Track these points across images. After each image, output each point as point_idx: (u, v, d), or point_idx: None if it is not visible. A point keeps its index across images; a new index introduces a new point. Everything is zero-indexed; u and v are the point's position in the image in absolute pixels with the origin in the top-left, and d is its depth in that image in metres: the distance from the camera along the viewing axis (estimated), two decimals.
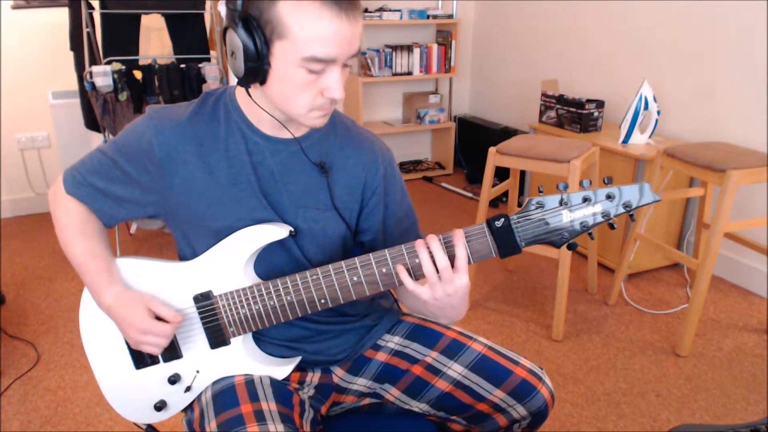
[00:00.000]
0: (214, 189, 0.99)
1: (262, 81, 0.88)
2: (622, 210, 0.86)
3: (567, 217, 0.87)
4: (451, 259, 0.89)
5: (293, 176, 1.01)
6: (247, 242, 0.98)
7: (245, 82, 0.89)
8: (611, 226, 0.87)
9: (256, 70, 0.86)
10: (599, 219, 0.86)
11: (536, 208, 0.87)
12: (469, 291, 0.92)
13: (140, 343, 0.98)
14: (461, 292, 0.90)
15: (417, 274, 0.92)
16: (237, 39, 0.84)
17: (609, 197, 0.86)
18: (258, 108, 0.96)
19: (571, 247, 0.88)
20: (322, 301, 0.96)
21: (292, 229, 1.00)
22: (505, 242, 0.88)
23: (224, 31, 0.88)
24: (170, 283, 1.02)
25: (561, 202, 0.86)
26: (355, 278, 0.94)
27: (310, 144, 1.02)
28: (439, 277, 0.89)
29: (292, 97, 0.89)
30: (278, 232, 0.98)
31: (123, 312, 0.98)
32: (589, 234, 0.89)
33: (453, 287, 0.89)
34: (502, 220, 0.87)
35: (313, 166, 1.02)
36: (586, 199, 0.86)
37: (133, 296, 0.99)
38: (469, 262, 0.90)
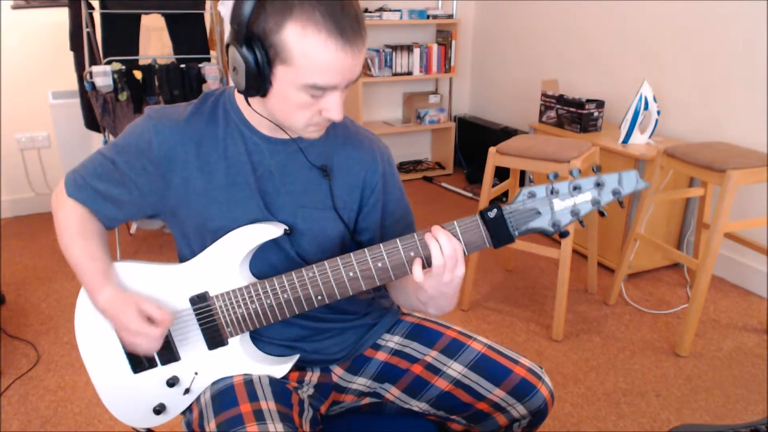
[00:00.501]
0: (213, 189, 0.99)
1: (263, 95, 0.89)
2: (611, 197, 0.87)
3: (558, 206, 0.88)
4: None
5: (292, 176, 1.01)
6: (242, 242, 0.98)
7: (246, 95, 0.90)
8: (601, 214, 0.89)
9: (257, 87, 0.87)
10: (589, 207, 0.88)
11: (527, 198, 0.88)
12: (462, 282, 0.93)
13: (132, 345, 0.98)
14: (457, 281, 0.91)
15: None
16: (239, 57, 0.84)
17: (598, 185, 0.87)
18: (258, 114, 0.97)
19: (563, 235, 0.90)
20: (319, 297, 0.96)
21: (287, 228, 1.00)
22: (498, 232, 0.89)
23: (227, 46, 0.88)
24: (166, 286, 1.02)
25: (551, 191, 0.87)
26: (351, 273, 0.94)
27: (309, 144, 1.02)
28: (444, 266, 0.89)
29: (291, 115, 0.90)
30: (272, 231, 0.98)
31: (115, 313, 0.98)
32: (580, 222, 0.90)
33: (451, 276, 0.90)
34: (495, 210, 0.89)
35: (313, 167, 1.02)
36: (575, 188, 0.87)
37: (125, 298, 0.98)
38: (463, 254, 0.91)
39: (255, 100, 0.95)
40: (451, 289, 0.92)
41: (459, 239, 0.90)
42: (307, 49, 0.82)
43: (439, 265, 0.89)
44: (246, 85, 0.87)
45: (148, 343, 0.97)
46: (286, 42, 0.82)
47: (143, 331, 0.95)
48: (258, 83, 0.86)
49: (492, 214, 0.89)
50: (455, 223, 0.91)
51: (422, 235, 0.91)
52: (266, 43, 0.83)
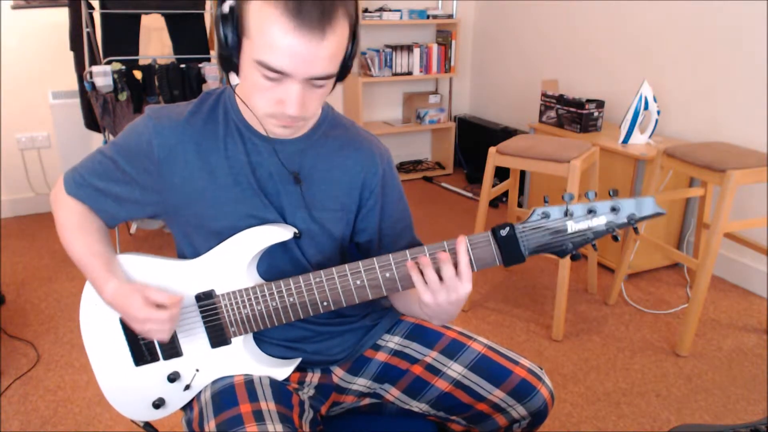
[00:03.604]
0: (214, 189, 0.99)
1: (236, 72, 0.89)
2: (626, 222, 0.86)
3: (571, 228, 0.87)
4: (454, 266, 0.89)
5: (291, 177, 1.01)
6: (252, 243, 0.98)
7: (222, 69, 0.91)
8: (615, 239, 0.88)
9: (227, 61, 0.87)
10: (603, 231, 0.87)
11: (541, 219, 0.87)
12: (467, 297, 0.92)
13: (145, 333, 0.97)
14: (462, 299, 0.90)
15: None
16: (219, 30, 0.85)
17: (613, 210, 0.86)
18: (243, 103, 0.97)
19: (575, 257, 0.89)
20: (325, 303, 0.96)
21: (297, 231, 1.00)
22: (510, 251, 0.89)
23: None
24: (172, 281, 1.02)
25: (566, 213, 0.87)
26: (358, 282, 0.94)
27: (308, 144, 1.02)
28: (444, 285, 0.88)
29: (251, 97, 0.90)
30: (283, 233, 0.98)
31: (122, 304, 0.97)
32: (593, 245, 0.89)
33: (456, 295, 0.89)
34: (508, 229, 0.88)
35: (286, 170, 1.01)
36: (590, 211, 0.86)
37: (130, 288, 0.98)
38: (472, 270, 0.90)
39: (238, 88, 0.95)
40: (454, 307, 0.92)
41: (469, 255, 0.89)
42: (261, 22, 0.81)
43: (436, 283, 0.88)
44: (220, 58, 0.87)
45: (160, 326, 0.96)
46: (248, 13, 0.82)
47: (151, 316, 0.95)
48: (227, 56, 0.86)
49: (504, 232, 0.88)
50: (466, 238, 0.90)
51: (434, 250, 0.90)
52: (236, 15, 0.84)
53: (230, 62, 0.87)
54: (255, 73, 0.85)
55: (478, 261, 0.90)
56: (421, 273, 0.90)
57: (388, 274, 0.92)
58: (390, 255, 0.92)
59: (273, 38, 0.80)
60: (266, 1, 0.80)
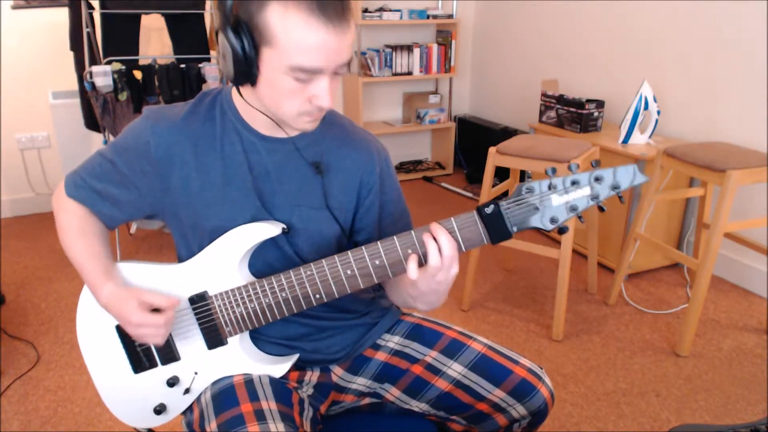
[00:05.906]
0: (210, 189, 0.99)
1: (253, 83, 0.89)
2: (610, 192, 0.86)
3: (556, 201, 0.87)
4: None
5: (289, 175, 1.01)
6: (240, 241, 0.98)
7: (235, 83, 0.90)
8: (601, 209, 0.87)
9: (245, 74, 0.87)
10: (588, 202, 0.86)
11: (525, 193, 0.87)
12: (454, 279, 0.93)
13: (140, 337, 0.98)
14: (450, 280, 0.91)
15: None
16: (227, 43, 0.84)
17: (597, 180, 0.85)
18: (253, 108, 0.97)
19: (562, 231, 0.88)
20: (317, 296, 0.96)
21: (285, 226, 1.00)
22: (496, 228, 0.88)
23: (216, 34, 0.88)
24: (165, 286, 1.02)
25: (550, 187, 0.86)
26: (348, 271, 0.94)
27: (306, 143, 1.02)
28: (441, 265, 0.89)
29: (281, 102, 0.89)
30: (270, 229, 0.98)
31: (118, 309, 0.98)
32: (579, 217, 0.89)
33: (445, 275, 0.89)
34: (492, 206, 0.88)
35: (309, 166, 1.02)
36: (574, 183, 0.86)
37: (125, 292, 0.99)
38: (461, 251, 0.90)
39: (248, 93, 0.94)
40: (443, 287, 0.92)
41: (456, 236, 0.90)
42: (289, 28, 0.81)
43: (436, 266, 0.88)
44: (234, 72, 0.86)
45: (156, 331, 0.96)
46: (269, 23, 0.82)
47: (146, 321, 0.95)
48: (245, 69, 0.86)
49: (489, 210, 0.88)
50: (452, 219, 0.90)
51: (420, 234, 0.90)
52: (251, 26, 0.83)
53: (249, 75, 0.87)
54: (285, 78, 0.85)
55: (466, 241, 0.90)
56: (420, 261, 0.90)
57: (378, 262, 0.92)
58: (378, 242, 0.92)
59: (306, 40, 0.82)
60: (288, 8, 0.80)
